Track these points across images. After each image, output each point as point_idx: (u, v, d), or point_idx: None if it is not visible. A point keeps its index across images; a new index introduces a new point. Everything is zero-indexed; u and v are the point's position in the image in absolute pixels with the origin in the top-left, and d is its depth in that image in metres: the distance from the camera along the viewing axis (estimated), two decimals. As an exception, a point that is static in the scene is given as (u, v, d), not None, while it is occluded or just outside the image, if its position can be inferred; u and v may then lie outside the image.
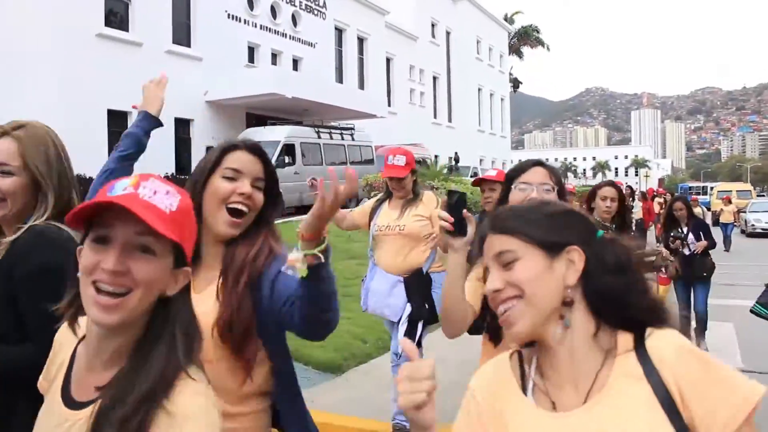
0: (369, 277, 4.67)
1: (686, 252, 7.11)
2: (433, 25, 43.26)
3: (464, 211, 1.95)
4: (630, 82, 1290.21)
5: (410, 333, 4.34)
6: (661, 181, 65.36)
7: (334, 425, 4.53)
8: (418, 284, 4.42)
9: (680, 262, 6.98)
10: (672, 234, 7.14)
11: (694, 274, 7.12)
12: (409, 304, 4.41)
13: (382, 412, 4.73)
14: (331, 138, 22.55)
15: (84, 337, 1.31)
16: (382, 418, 4.64)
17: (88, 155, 19.10)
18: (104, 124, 20.22)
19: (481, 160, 44.48)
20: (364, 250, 6.33)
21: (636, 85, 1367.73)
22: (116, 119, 20.43)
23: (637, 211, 13.28)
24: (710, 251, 7.28)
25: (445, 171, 21.71)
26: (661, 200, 18.27)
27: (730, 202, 22.71)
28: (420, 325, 4.41)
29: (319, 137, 21.92)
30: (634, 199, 13.97)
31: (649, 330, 1.25)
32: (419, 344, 4.35)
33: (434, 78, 43.76)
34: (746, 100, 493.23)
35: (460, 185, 16.26)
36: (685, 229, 7.19)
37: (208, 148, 21.72)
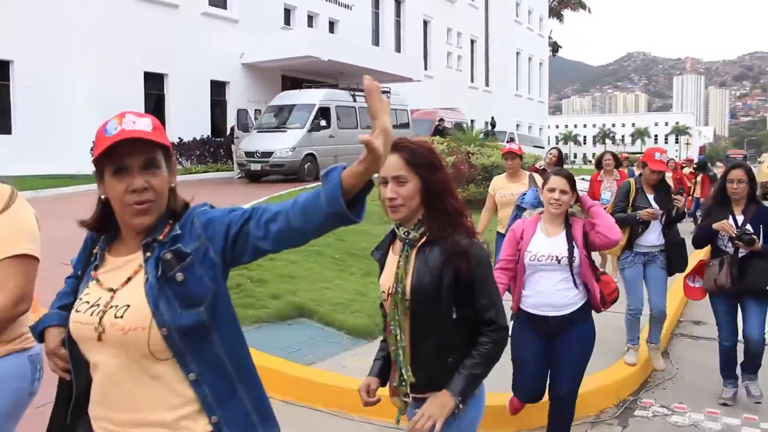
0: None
1: (736, 250, 4.64)
2: (471, -13, 42.38)
3: None
4: (673, 47, 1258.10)
5: None
6: (702, 148, 63.65)
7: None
8: None
9: (726, 266, 4.60)
10: (742, 233, 4.50)
11: (749, 285, 4.56)
12: None
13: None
14: (367, 101, 22.36)
15: None
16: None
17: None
18: (141, 86, 20.34)
19: (518, 125, 43.79)
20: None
21: (679, 50, 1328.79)
22: (152, 81, 20.57)
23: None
24: None
25: (481, 136, 21.37)
26: (691, 170, 17.83)
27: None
28: None
29: (355, 100, 21.74)
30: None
31: None
32: None
33: (472, 41, 43.01)
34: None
35: (496, 150, 16.02)
36: (740, 218, 4.61)
37: (240, 111, 21.81)
